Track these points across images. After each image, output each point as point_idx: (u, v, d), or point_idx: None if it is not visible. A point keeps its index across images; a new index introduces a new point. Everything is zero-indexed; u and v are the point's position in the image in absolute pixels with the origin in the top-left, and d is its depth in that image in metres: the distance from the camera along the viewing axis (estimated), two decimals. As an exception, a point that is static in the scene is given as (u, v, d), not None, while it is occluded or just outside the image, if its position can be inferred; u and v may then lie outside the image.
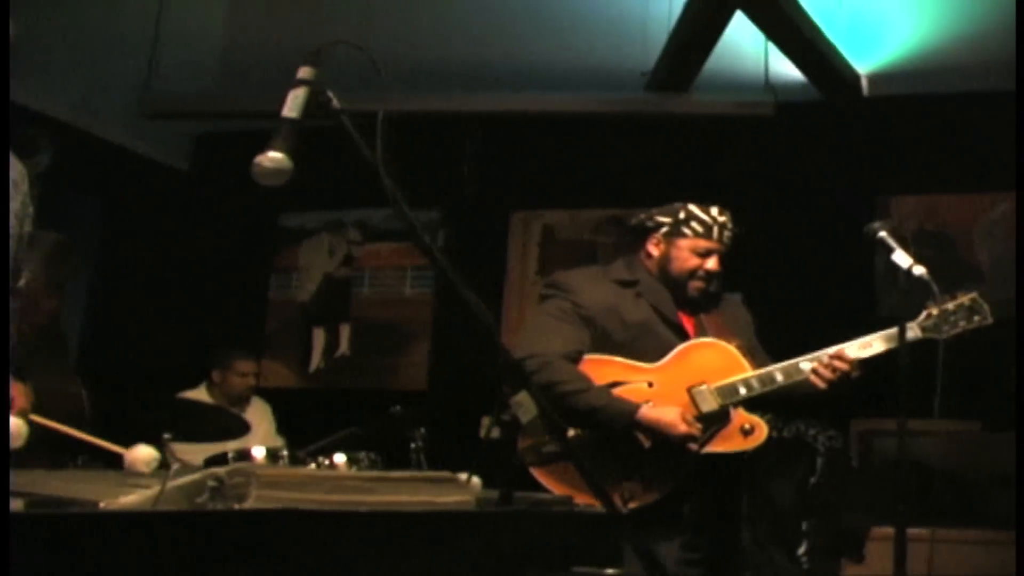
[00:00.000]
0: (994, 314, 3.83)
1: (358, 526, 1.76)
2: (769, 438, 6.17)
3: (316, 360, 8.26)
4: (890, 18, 7.00)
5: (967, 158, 7.20)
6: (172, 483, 1.68)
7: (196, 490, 1.67)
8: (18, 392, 3.68)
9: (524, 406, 2.27)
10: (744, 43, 6.83)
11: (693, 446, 3.67)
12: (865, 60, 7.21)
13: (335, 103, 2.51)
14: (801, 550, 6.09)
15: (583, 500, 3.65)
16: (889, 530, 5.09)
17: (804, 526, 6.16)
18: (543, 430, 3.69)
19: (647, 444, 3.68)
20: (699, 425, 3.70)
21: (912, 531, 3.98)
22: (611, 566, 2.76)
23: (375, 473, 2.89)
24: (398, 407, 5.29)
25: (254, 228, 8.39)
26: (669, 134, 7.61)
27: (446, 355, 7.83)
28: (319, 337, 8.27)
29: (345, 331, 8.23)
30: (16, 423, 3.28)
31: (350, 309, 8.26)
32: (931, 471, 6.46)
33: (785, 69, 7.04)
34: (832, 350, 3.78)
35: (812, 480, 6.31)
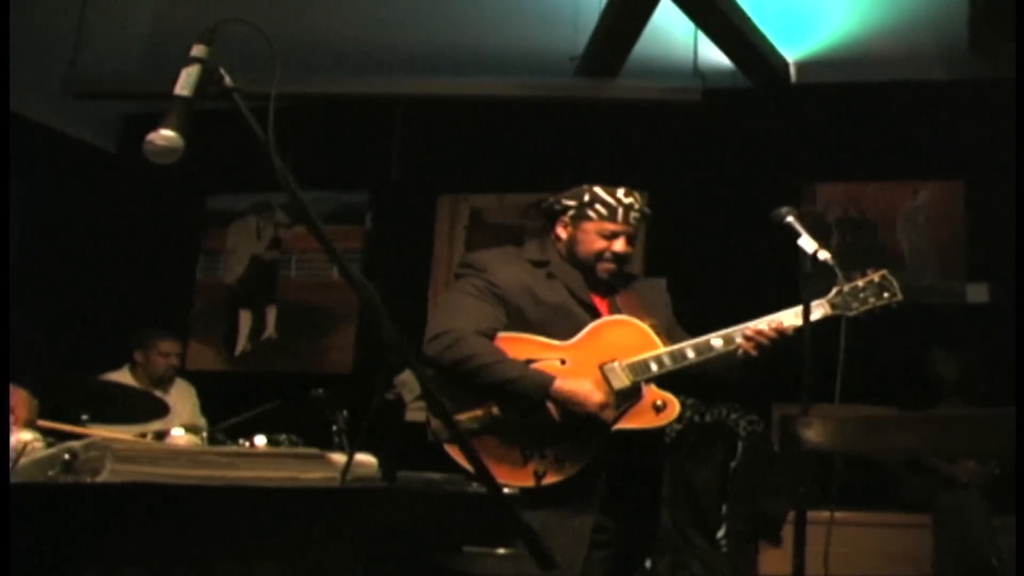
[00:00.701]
0: (904, 292, 3.87)
1: (215, 501, 1.74)
2: (691, 422, 6.25)
3: (242, 343, 8.22)
4: (820, 6, 7.05)
5: (892, 146, 7.29)
6: (27, 457, 1.66)
7: (49, 463, 1.66)
8: (20, 401, 3.48)
9: (408, 384, 2.27)
10: (673, 29, 6.84)
11: (607, 414, 3.67)
12: (794, 48, 7.26)
13: (227, 81, 2.48)
14: (720, 533, 6.14)
15: (497, 477, 3.67)
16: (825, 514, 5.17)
17: (723, 509, 6.21)
18: (453, 407, 3.74)
19: (560, 418, 3.68)
20: (613, 398, 3.71)
21: (814, 514, 4.01)
22: (503, 546, 2.76)
23: (236, 449, 2.87)
24: (320, 390, 5.28)
25: (182, 210, 8.33)
26: (598, 119, 7.63)
27: (372, 339, 7.82)
28: (245, 320, 8.23)
29: (272, 314, 8.19)
30: (28, 437, 2.81)
31: (277, 292, 8.22)
32: (845, 456, 6.53)
33: (714, 56, 7.06)
34: (761, 320, 3.79)
35: (732, 464, 6.35)
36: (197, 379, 7.24)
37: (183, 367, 7.34)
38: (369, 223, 8.00)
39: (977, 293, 7.01)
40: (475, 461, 2.27)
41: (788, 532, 6.08)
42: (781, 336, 3.75)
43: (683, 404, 6.29)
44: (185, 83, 2.47)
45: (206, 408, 6.94)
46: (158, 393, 6.41)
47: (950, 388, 6.47)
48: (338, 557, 2.06)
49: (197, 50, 2.48)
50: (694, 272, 7.25)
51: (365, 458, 2.73)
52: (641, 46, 6.79)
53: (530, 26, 7.18)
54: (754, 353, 3.76)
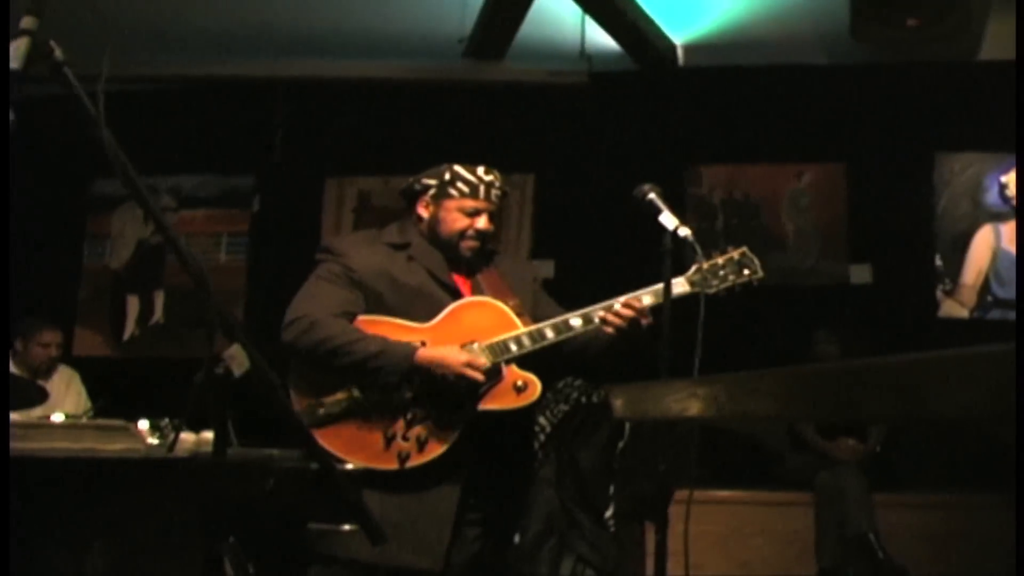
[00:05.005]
0: (765, 269, 3.91)
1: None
2: (577, 403, 6.27)
3: (130, 328, 8.11)
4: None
5: (775, 129, 7.38)
6: None
7: None
8: None
9: (237, 359, 2.24)
10: (560, 12, 6.84)
11: (474, 373, 3.64)
12: (681, 31, 7.29)
13: (58, 54, 2.43)
14: (608, 513, 6.17)
15: (360, 460, 3.65)
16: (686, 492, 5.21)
17: (611, 490, 6.24)
18: (315, 391, 3.72)
19: (428, 388, 3.66)
20: (477, 353, 3.69)
21: (700, 493, 4.04)
22: (349, 522, 2.75)
23: (33, 420, 2.84)
24: (201, 375, 5.23)
25: (66, 195, 8.18)
26: (485, 101, 7.62)
27: (260, 322, 7.75)
28: (133, 305, 8.12)
29: (159, 299, 8.09)
30: None
31: (164, 276, 8.09)
32: (730, 435, 6.62)
33: (601, 38, 7.08)
34: (617, 299, 3.80)
35: (620, 445, 6.39)
36: (85, 365, 7.15)
37: (69, 353, 7.23)
38: (256, 206, 7.95)
39: (859, 274, 7.12)
40: (313, 448, 2.27)
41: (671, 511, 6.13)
42: (637, 314, 3.76)
43: (569, 385, 6.34)
44: (14, 56, 2.41)
45: (95, 395, 6.83)
46: (39, 381, 6.34)
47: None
48: (169, 532, 2.04)
49: (26, 22, 2.42)
50: (581, 254, 7.29)
51: (209, 435, 2.72)
52: (528, 28, 6.79)
53: (417, 8, 7.13)
54: (611, 332, 3.77)
